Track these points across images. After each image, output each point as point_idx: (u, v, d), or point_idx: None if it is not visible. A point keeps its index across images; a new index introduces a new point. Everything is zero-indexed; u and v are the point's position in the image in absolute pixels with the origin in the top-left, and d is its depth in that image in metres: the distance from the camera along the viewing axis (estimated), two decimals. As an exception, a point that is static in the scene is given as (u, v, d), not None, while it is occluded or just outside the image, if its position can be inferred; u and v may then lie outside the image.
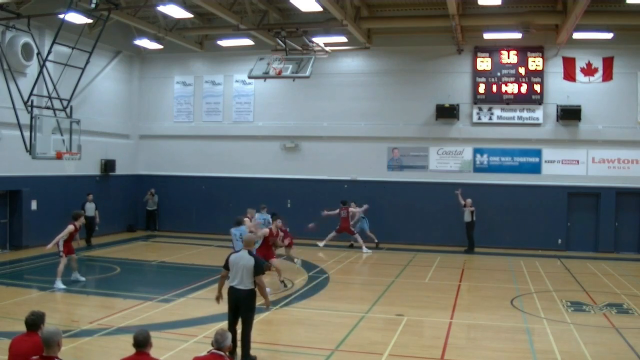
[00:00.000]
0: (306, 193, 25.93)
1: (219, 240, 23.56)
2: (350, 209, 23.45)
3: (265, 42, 24.03)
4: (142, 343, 6.48)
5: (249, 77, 21.64)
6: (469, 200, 23.17)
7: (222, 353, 6.87)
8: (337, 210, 23.47)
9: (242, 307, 9.92)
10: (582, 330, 12.22)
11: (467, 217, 23.17)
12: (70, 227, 16.16)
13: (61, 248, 16.06)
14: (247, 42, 24.91)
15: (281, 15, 24.19)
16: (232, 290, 9.92)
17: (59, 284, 15.58)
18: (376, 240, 23.84)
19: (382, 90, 25.59)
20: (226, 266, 10.07)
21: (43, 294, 15.13)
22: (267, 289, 12.33)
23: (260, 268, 9.95)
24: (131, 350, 6.53)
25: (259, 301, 10.20)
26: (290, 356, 10.58)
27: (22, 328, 6.96)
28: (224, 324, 10.15)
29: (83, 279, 16.55)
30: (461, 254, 22.81)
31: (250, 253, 10.03)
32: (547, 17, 22.38)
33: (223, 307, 10.35)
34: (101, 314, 13.11)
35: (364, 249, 23.07)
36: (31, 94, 17.23)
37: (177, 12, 20.52)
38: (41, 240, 21.55)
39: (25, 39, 20.43)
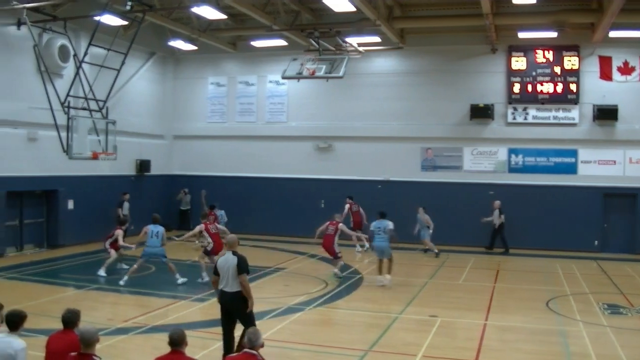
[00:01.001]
0: (339, 193, 25.76)
1: (253, 240, 23.62)
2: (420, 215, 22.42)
3: (298, 42, 24.07)
4: (177, 342, 6.53)
5: (283, 78, 21.68)
6: (497, 202, 22.96)
7: (254, 352, 6.84)
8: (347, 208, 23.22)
9: (234, 312, 9.74)
10: (619, 333, 12.02)
11: (497, 220, 23.03)
12: (120, 232, 17.59)
13: (108, 246, 17.62)
14: (280, 42, 24.96)
15: (313, 16, 24.18)
16: (221, 293, 9.76)
17: (102, 272, 17.17)
18: (435, 250, 22.40)
19: (416, 90, 25.44)
20: (216, 271, 9.85)
21: (79, 292, 15.39)
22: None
23: (242, 266, 9.62)
24: (166, 349, 6.59)
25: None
26: (323, 356, 10.57)
27: (58, 325, 7.06)
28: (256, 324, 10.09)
29: (127, 267, 17.59)
30: (496, 255, 22.59)
31: (234, 253, 9.77)
32: (582, 16, 22.02)
33: (259, 307, 10.32)
34: (136, 312, 13.29)
35: (358, 247, 22.74)
36: (68, 95, 17.52)
37: (210, 13, 20.64)
38: (77, 239, 22.07)
39: (61, 41, 20.70)
